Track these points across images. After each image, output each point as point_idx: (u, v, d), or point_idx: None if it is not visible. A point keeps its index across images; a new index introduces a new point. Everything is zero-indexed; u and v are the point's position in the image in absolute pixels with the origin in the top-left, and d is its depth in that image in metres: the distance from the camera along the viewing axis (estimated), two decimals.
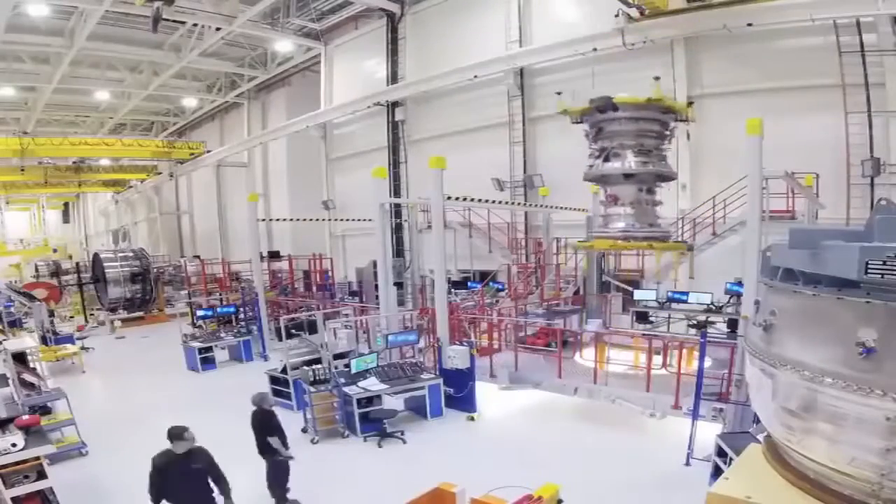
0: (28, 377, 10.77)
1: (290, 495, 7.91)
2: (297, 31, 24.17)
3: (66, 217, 56.23)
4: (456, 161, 13.40)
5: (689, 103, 11.68)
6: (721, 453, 7.10)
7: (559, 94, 11.42)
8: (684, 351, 10.87)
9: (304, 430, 10.42)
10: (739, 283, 12.10)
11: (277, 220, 25.83)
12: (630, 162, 10.37)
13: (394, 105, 22.31)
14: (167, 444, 6.22)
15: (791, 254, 3.19)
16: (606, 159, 10.37)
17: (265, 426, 7.69)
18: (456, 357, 11.06)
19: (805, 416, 3.01)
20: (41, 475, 7.11)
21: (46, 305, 19.36)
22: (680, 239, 12.72)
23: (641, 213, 10.68)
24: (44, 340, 16.30)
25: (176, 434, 6.13)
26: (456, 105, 20.43)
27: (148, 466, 6.06)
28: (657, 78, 10.25)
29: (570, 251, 16.73)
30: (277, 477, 7.69)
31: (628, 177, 10.48)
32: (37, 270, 30.91)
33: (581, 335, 13.49)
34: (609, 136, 10.52)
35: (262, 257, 20.13)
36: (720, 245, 13.70)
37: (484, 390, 11.74)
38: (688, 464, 8.49)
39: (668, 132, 10.75)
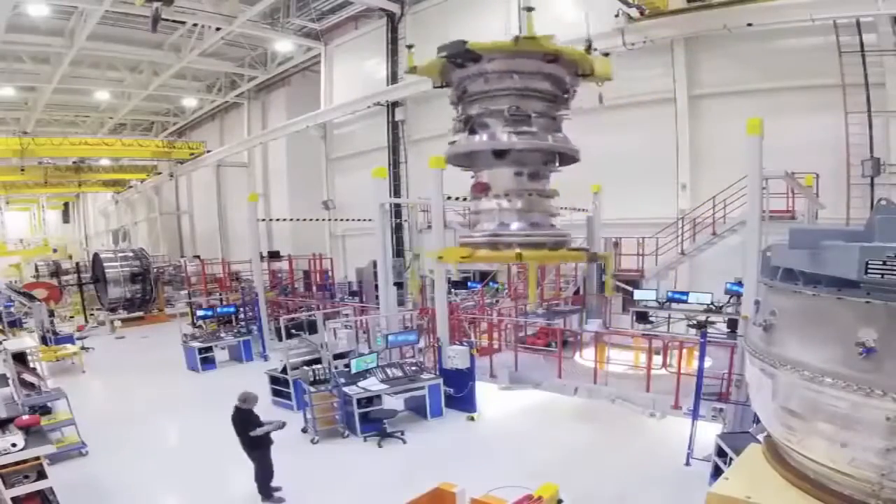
0: (28, 377, 10.77)
1: (282, 494, 8.05)
2: (297, 31, 24.17)
3: (66, 217, 56.21)
4: None
5: (602, 53, 7.93)
6: (721, 453, 7.11)
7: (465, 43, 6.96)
8: (684, 351, 10.87)
9: (304, 430, 10.42)
10: (739, 283, 12.10)
11: (277, 220, 25.83)
12: (501, 133, 6.98)
13: (394, 105, 22.30)
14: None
15: (791, 254, 3.20)
16: (472, 131, 7.18)
17: (245, 424, 7.92)
18: (456, 357, 11.05)
19: (805, 416, 3.01)
20: (41, 475, 7.11)
21: (46, 305, 19.35)
22: (584, 247, 8.36)
23: (524, 209, 7.31)
24: (44, 340, 16.30)
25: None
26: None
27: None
28: (530, 9, 6.87)
29: None
30: (262, 475, 8.07)
31: (500, 155, 7.19)
32: (37, 270, 30.90)
33: (581, 335, 13.49)
34: (474, 98, 7.28)
35: (262, 257, 20.11)
36: (720, 245, 13.69)
37: (484, 390, 11.74)
38: (688, 464, 8.49)
39: (564, 92, 7.56)
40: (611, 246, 15.96)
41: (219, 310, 18.35)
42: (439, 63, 7.06)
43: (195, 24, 21.66)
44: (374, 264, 15.38)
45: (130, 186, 42.28)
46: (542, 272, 17.33)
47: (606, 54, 8.89)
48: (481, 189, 7.39)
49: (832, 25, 13.05)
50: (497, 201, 7.44)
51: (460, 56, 6.75)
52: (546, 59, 6.83)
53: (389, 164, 22.01)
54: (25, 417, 7.61)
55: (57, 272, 28.24)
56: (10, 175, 32.96)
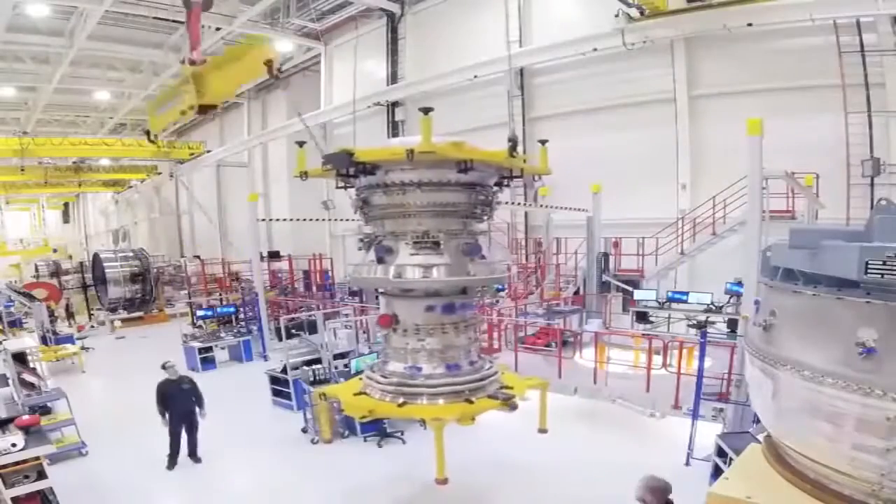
0: (28, 377, 10.78)
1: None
2: (297, 31, 24.16)
3: (66, 217, 56.20)
4: None
5: (542, 142, 6.06)
6: (721, 453, 7.11)
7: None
8: (684, 351, 10.87)
9: (304, 430, 10.43)
10: (739, 283, 12.11)
11: (277, 220, 25.83)
12: (406, 265, 5.22)
13: (394, 105, 22.30)
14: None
15: (791, 254, 3.19)
16: (381, 259, 5.35)
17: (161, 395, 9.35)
18: None
19: (805, 416, 3.01)
20: (41, 475, 7.12)
21: (47, 306, 19.34)
22: (508, 394, 5.81)
23: (439, 348, 5.49)
24: (44, 340, 16.31)
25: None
26: (456, 105, 20.42)
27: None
28: (427, 110, 4.84)
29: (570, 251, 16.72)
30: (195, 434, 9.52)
31: (408, 290, 5.40)
32: (37, 270, 30.89)
33: (581, 335, 13.49)
34: (374, 213, 5.56)
35: (262, 257, 20.12)
36: (720, 245, 13.70)
37: None
38: (688, 464, 8.49)
39: (486, 203, 5.59)
40: (611, 246, 15.99)
41: (219, 310, 18.36)
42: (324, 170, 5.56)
43: None
44: None
45: (130, 186, 42.28)
46: (542, 272, 17.34)
47: (543, 141, 6.18)
48: (387, 322, 5.60)
49: (832, 25, 13.05)
50: (405, 339, 5.51)
51: (345, 167, 5.17)
52: (459, 167, 4.99)
53: None
54: (25, 417, 7.62)
55: (57, 272, 28.22)
56: (10, 175, 32.90)
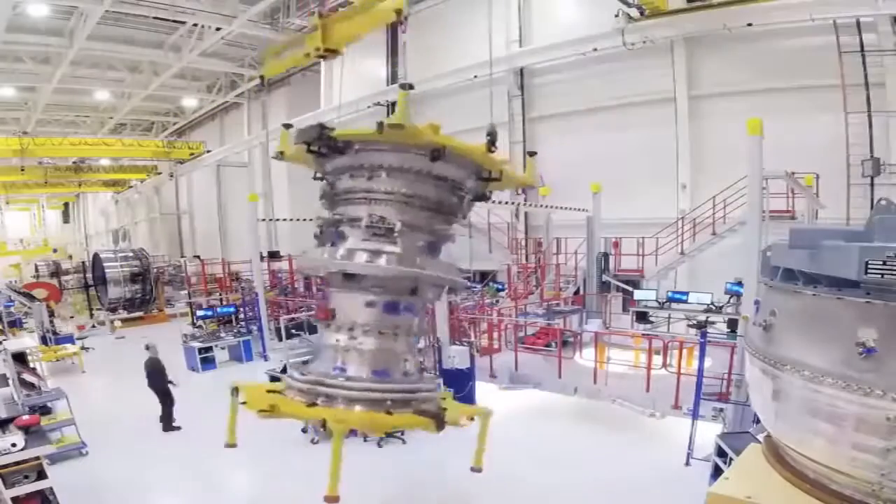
0: (28, 377, 10.78)
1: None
2: (297, 31, 24.14)
3: (66, 217, 56.19)
4: None
5: (530, 153, 6.02)
6: (721, 453, 7.10)
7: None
8: (684, 351, 10.87)
9: (304, 430, 10.41)
10: (739, 283, 12.11)
11: (277, 220, 25.82)
12: (353, 249, 4.61)
13: (393, 105, 22.26)
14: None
15: (791, 254, 3.19)
16: (332, 244, 4.82)
17: (163, 371, 11.21)
18: (456, 357, 11.05)
19: (805, 416, 3.01)
20: (41, 475, 7.12)
21: (47, 306, 19.35)
22: (438, 412, 5.17)
23: (371, 350, 4.74)
24: (44, 340, 16.31)
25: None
26: (456, 105, 20.41)
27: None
28: (409, 86, 4.75)
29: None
30: (170, 411, 11.20)
31: (349, 277, 4.67)
32: (37, 270, 30.89)
33: (581, 335, 13.49)
34: (337, 198, 5.03)
35: (262, 257, 20.11)
36: (720, 245, 13.70)
37: (484, 390, 11.74)
38: (688, 464, 8.49)
39: (458, 200, 4.97)
40: (611, 246, 15.98)
41: (219, 310, 18.35)
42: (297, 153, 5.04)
43: (195, 24, 21.64)
44: None
45: (130, 186, 42.28)
46: (542, 272, 17.34)
47: (532, 153, 6.05)
48: (324, 315, 5.04)
49: (832, 25, 13.06)
50: (338, 335, 4.68)
51: (315, 139, 4.56)
52: (431, 154, 4.50)
53: None
54: (25, 417, 7.61)
55: (57, 272, 28.22)
56: (10, 175, 32.92)
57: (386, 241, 4.53)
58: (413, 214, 4.60)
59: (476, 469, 4.56)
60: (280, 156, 5.30)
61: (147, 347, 11.49)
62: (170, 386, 11.30)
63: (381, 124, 4.20)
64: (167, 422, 11.15)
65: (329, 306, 4.85)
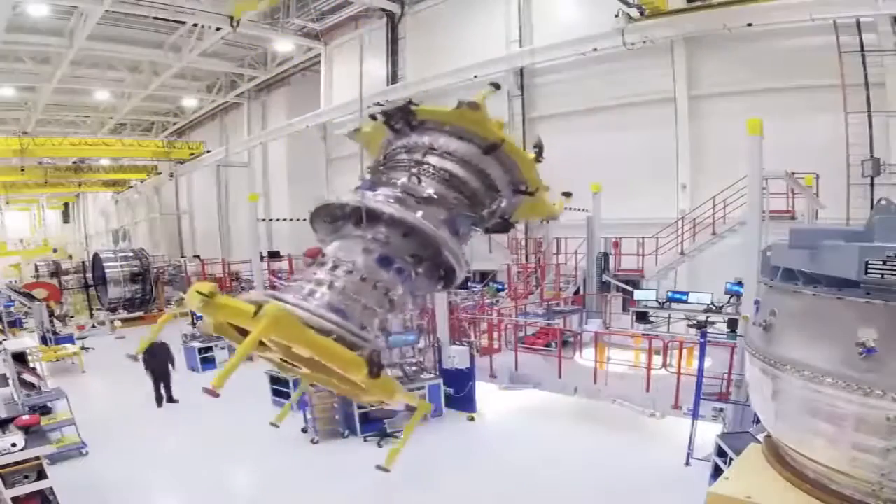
0: (28, 377, 10.78)
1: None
2: (297, 31, 24.15)
3: (66, 217, 56.14)
4: None
5: (566, 194, 5.42)
6: (721, 453, 7.10)
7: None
8: (684, 351, 10.87)
9: (304, 430, 10.43)
10: (739, 283, 12.10)
11: (277, 220, 25.82)
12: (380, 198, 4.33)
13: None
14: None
15: (791, 254, 3.19)
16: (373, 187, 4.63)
17: (169, 353, 12.78)
18: (456, 357, 11.06)
19: (805, 416, 3.01)
20: (41, 475, 7.12)
21: (48, 306, 19.34)
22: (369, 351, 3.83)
23: (344, 290, 4.05)
24: (44, 340, 16.31)
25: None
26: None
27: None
28: (496, 86, 4.72)
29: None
30: (169, 385, 12.92)
31: (357, 220, 4.33)
32: (37, 270, 30.89)
33: (581, 335, 13.49)
34: (384, 166, 4.96)
35: (262, 257, 20.11)
36: (720, 245, 13.70)
37: (484, 390, 11.74)
38: (688, 464, 8.49)
39: (490, 201, 4.75)
40: (611, 246, 15.97)
41: None
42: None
43: (195, 24, 21.64)
44: None
45: (130, 186, 42.27)
46: (542, 272, 17.33)
47: (568, 194, 5.12)
48: (313, 254, 4.59)
49: (832, 25, 13.05)
50: (316, 270, 4.15)
51: (400, 117, 4.61)
52: (487, 146, 4.51)
53: None
54: (25, 417, 7.62)
55: (57, 272, 28.22)
56: (10, 175, 32.91)
57: (414, 199, 4.28)
58: (447, 193, 4.45)
59: (383, 469, 3.77)
60: (354, 133, 5.01)
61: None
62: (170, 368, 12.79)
63: (460, 102, 4.32)
64: (168, 397, 12.84)
65: (316, 247, 4.41)
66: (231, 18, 11.08)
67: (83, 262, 28.81)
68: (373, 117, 4.99)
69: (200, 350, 15.72)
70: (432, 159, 4.50)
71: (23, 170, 30.22)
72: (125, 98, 30.15)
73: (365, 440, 10.01)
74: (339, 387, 3.79)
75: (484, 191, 4.64)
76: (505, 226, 4.75)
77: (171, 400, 12.96)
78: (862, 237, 3.01)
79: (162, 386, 12.87)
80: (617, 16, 15.24)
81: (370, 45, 22.89)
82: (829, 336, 2.91)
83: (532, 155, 4.60)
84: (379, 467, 3.83)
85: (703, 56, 15.38)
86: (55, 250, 42.36)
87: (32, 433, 7.37)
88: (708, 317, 13.60)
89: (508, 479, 8.68)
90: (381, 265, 4.20)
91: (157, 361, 12.58)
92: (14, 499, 6.83)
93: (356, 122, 23.97)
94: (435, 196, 4.37)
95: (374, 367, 3.60)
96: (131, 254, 25.81)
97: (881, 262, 2.60)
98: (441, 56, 20.22)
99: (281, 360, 3.73)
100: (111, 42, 23.00)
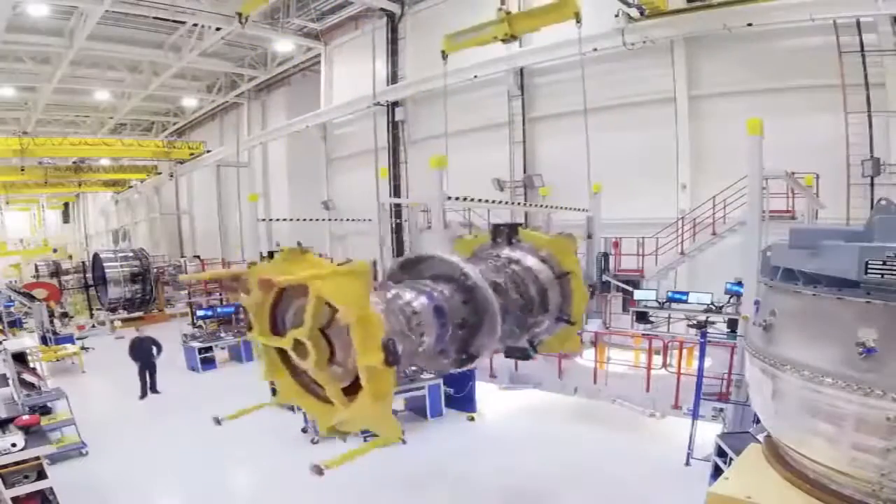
0: (28, 377, 10.78)
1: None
2: (297, 31, 24.15)
3: (66, 217, 56.15)
4: (456, 161, 13.40)
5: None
6: (721, 453, 7.10)
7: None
8: (684, 351, 10.87)
9: (304, 430, 10.42)
10: (739, 283, 12.10)
11: (277, 220, 25.81)
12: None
13: (394, 105, 22.29)
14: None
15: (791, 254, 3.20)
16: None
17: (156, 346, 13.72)
18: None
19: (805, 416, 3.01)
20: (41, 475, 7.12)
21: (48, 306, 19.34)
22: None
23: (398, 315, 4.23)
24: (44, 340, 16.31)
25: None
26: (456, 105, 20.40)
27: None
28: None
29: None
30: (154, 377, 13.71)
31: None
32: (37, 270, 30.89)
33: (581, 335, 13.48)
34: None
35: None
36: (720, 245, 13.70)
37: (484, 390, 11.74)
38: (688, 464, 8.49)
39: (535, 312, 4.88)
40: (611, 246, 15.97)
41: (219, 310, 18.35)
42: None
43: (195, 24, 21.64)
44: (374, 264, 15.37)
45: (130, 186, 42.27)
46: None
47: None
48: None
49: (832, 25, 13.05)
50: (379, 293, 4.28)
51: (504, 233, 5.45)
52: (558, 273, 5.05)
53: (389, 164, 22.01)
54: (25, 417, 7.62)
55: (57, 272, 28.21)
56: (10, 175, 32.91)
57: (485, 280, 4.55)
58: (512, 288, 4.80)
59: (318, 471, 3.60)
60: (455, 241, 5.69)
61: (137, 329, 14.58)
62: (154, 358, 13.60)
63: (559, 234, 5.20)
64: (152, 387, 13.57)
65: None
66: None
67: (83, 262, 28.80)
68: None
69: (200, 350, 15.73)
70: (515, 266, 4.95)
71: (23, 170, 30.23)
72: (125, 98, 30.15)
73: (365, 440, 9.99)
74: (316, 408, 3.79)
75: (538, 304, 4.94)
76: (525, 353, 5.02)
77: (153, 390, 13.57)
78: (862, 237, 3.01)
79: (147, 374, 13.53)
80: (617, 16, 15.24)
81: (370, 45, 22.90)
82: (829, 336, 2.91)
83: (588, 293, 5.10)
84: (315, 466, 3.57)
85: (703, 56, 15.37)
86: (55, 250, 42.35)
87: (32, 433, 7.37)
88: (708, 317, 13.60)
89: (508, 479, 8.68)
90: (434, 312, 4.35)
91: (143, 352, 13.38)
92: (14, 499, 6.82)
93: (356, 121, 24.04)
94: (502, 284, 4.71)
95: (391, 355, 3.73)
96: (131, 254, 25.81)
97: (881, 262, 2.60)
98: (441, 56, 20.19)
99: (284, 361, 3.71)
100: (111, 42, 23.00)
